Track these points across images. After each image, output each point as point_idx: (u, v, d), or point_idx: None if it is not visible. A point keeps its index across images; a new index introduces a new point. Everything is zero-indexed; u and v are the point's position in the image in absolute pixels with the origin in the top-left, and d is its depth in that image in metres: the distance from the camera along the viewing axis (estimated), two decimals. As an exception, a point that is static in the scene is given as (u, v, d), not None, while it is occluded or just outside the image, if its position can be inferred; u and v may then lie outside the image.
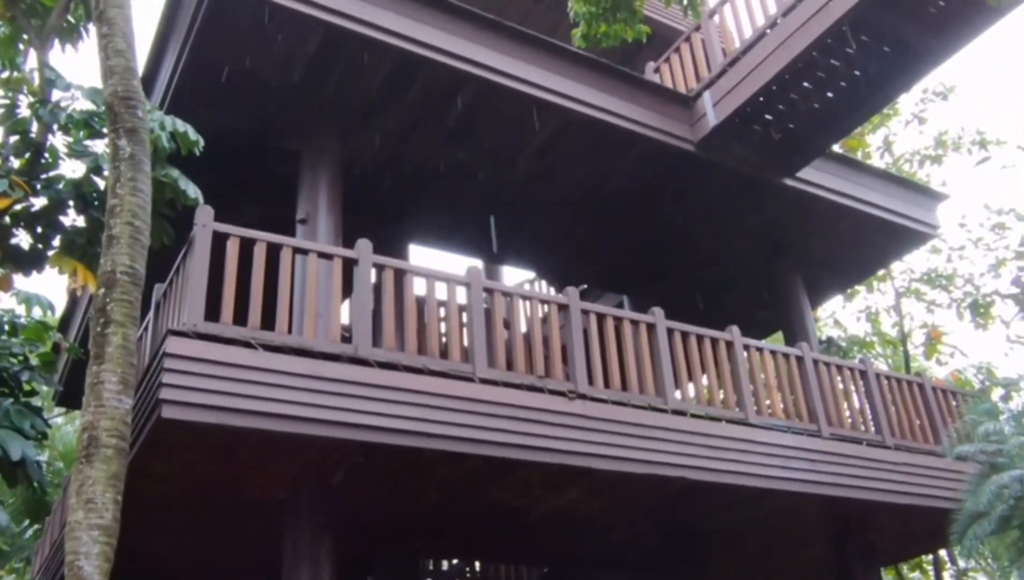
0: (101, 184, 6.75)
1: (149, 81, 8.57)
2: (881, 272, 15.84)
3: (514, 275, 14.73)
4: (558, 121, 9.00)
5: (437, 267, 7.60)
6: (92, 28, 7.19)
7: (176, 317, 6.15)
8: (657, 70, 10.55)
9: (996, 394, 12.32)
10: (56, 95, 7.01)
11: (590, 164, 9.84)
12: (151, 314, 7.00)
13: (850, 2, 8.12)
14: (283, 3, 7.36)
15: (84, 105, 6.81)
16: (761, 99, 9.36)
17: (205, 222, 6.24)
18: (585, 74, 8.92)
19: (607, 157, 9.72)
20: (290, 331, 6.33)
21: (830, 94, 9.57)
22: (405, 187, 9.85)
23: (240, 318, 6.08)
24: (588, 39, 5.14)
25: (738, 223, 11.15)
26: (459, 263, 15.76)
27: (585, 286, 12.39)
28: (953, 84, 17.46)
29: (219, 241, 6.29)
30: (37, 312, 7.53)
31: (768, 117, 9.79)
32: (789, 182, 10.37)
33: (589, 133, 9.24)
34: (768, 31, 9.14)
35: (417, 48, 7.95)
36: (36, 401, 8.74)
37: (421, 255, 25.79)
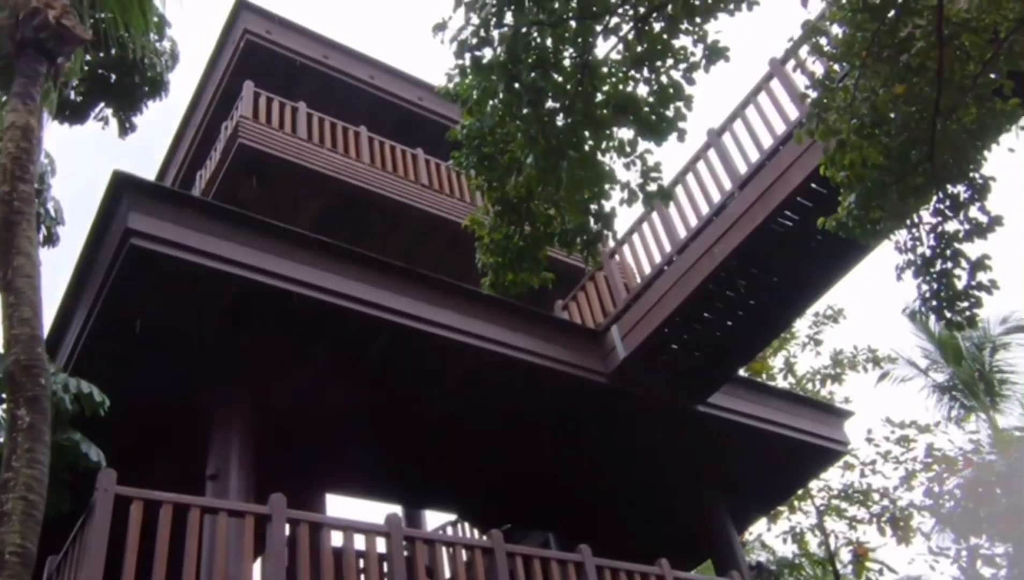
0: (-4, 452, 6.41)
1: (56, 340, 8.43)
2: (800, 491, 15.96)
3: (436, 518, 14.26)
4: (472, 362, 9.15)
5: (355, 516, 7.33)
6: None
7: (70, 593, 5.68)
8: (565, 307, 10.99)
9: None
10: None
11: (506, 401, 9.91)
12: (42, 590, 6.46)
13: (734, 242, 8.77)
14: (198, 261, 7.51)
15: (-17, 372, 6.60)
16: (666, 330, 9.76)
17: (107, 486, 5.95)
18: (496, 315, 9.24)
19: (522, 394, 9.82)
20: (196, 600, 5.90)
21: (729, 323, 10.07)
22: (321, 435, 9.66)
23: (142, 589, 5.66)
24: (496, 286, 5.35)
25: (657, 451, 11.21)
26: (378, 510, 15.22)
27: (509, 526, 12.06)
28: (841, 307, 18.62)
29: (122, 505, 5.97)
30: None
31: (674, 347, 10.16)
32: (702, 409, 10.60)
33: (503, 372, 9.39)
34: (665, 267, 9.71)
35: (331, 298, 8.13)
36: None
37: (339, 504, 24.87)
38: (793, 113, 8.74)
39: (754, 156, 9.06)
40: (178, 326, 8.07)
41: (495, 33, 4.00)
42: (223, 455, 7.90)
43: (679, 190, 9.71)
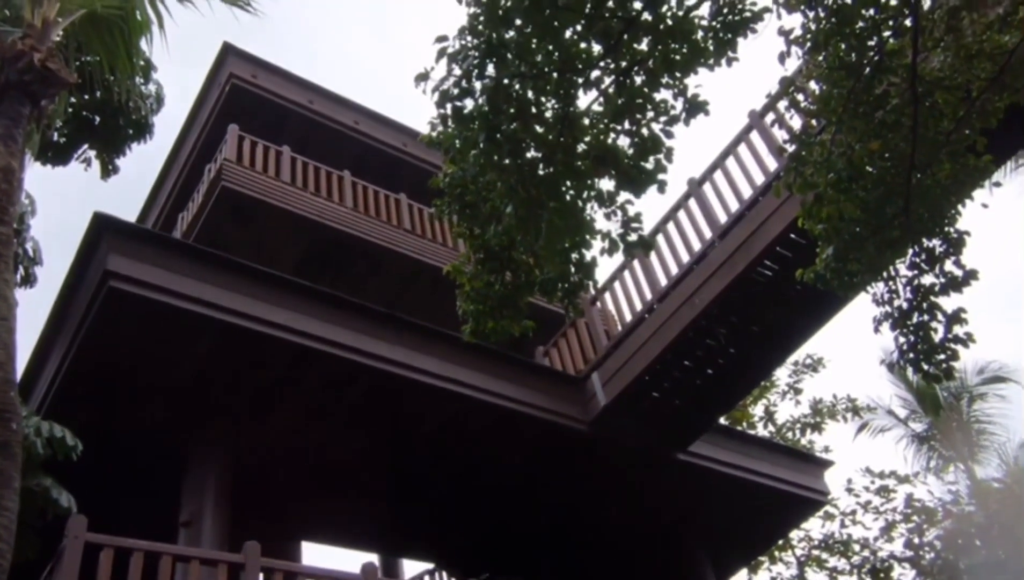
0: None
1: (30, 381, 8.33)
2: (781, 541, 15.86)
3: (413, 567, 14.04)
4: (453, 407, 9.11)
5: (331, 565, 7.22)
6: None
7: (34, 644, 5.54)
8: (546, 354, 10.98)
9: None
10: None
11: (487, 448, 9.85)
12: (6, 641, 6.28)
13: (715, 290, 8.82)
14: (177, 304, 7.46)
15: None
16: (646, 378, 9.75)
17: (77, 533, 5.84)
18: (477, 361, 9.21)
19: (503, 440, 9.77)
20: (165, 652, 5.76)
21: (710, 371, 10.07)
22: (298, 480, 9.55)
23: (109, 641, 5.52)
24: (476, 334, 5.34)
25: (637, 499, 11.15)
26: (355, 558, 14.96)
27: (488, 575, 11.88)
28: (821, 356, 18.69)
29: (91, 552, 5.86)
30: None
31: (655, 395, 10.14)
32: (682, 457, 10.57)
33: (484, 417, 9.35)
34: (646, 315, 9.74)
35: (311, 342, 8.09)
36: None
37: (315, 552, 24.41)
38: (772, 164, 8.85)
39: (734, 206, 9.15)
40: (155, 369, 8.00)
41: (477, 84, 4.05)
42: (197, 501, 7.78)
43: (660, 239, 9.79)
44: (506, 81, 4.06)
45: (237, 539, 6.94)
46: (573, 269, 4.72)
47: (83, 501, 6.48)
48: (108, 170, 9.49)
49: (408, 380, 8.60)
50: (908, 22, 5.06)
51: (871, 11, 5.03)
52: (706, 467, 10.81)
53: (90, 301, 7.46)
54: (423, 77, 4.20)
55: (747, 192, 9.05)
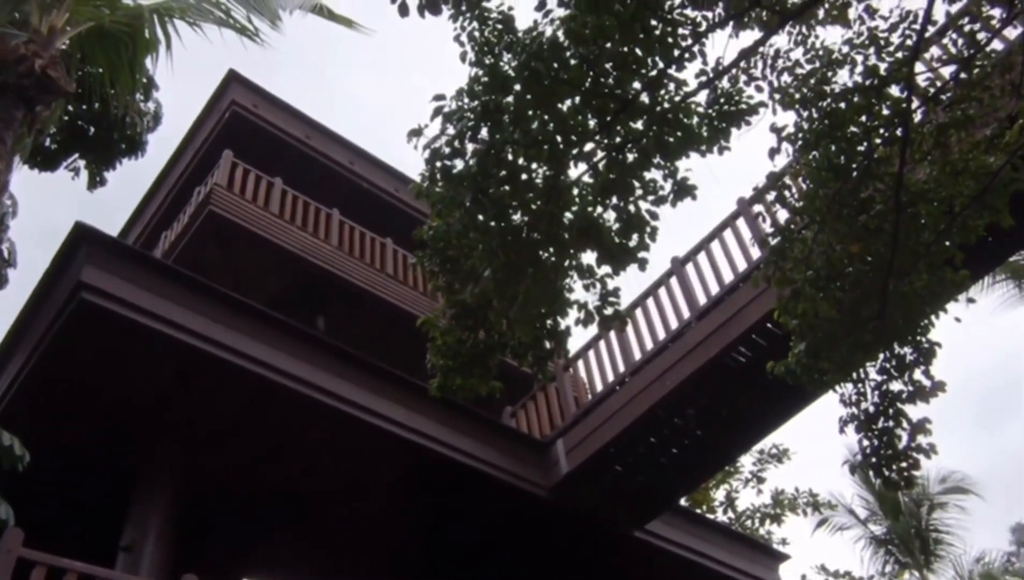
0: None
1: (-15, 387, 8.16)
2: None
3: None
4: (413, 458, 8.99)
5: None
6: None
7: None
8: (514, 414, 10.90)
9: None
10: None
11: (445, 504, 9.72)
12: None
13: (687, 370, 8.83)
14: (147, 323, 7.36)
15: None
16: (611, 450, 9.68)
17: (10, 547, 5.68)
18: (443, 414, 9.12)
19: (462, 496, 9.64)
20: (84, 682, 5.56)
21: (675, 450, 10.02)
22: (249, 516, 9.34)
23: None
24: (443, 390, 5.30)
25: (589, 572, 10.98)
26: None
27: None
28: (787, 447, 18.65)
29: (23, 568, 5.69)
30: None
31: (618, 468, 10.06)
32: (639, 534, 10.45)
33: (444, 472, 9.23)
34: (617, 387, 9.71)
35: (277, 376, 7.99)
36: None
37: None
38: (755, 253, 8.93)
39: (714, 289, 9.21)
40: (116, 385, 7.86)
41: (469, 146, 4.09)
42: (141, 525, 7.59)
43: (639, 313, 9.82)
44: (498, 145, 4.09)
45: (178, 569, 6.75)
46: (546, 334, 4.71)
47: (23, 514, 6.29)
48: (96, 182, 9.46)
49: (371, 426, 8.49)
50: (899, 132, 5.17)
51: (863, 117, 5.14)
52: (661, 547, 10.69)
53: (59, 310, 7.35)
54: (416, 133, 4.23)
55: (728, 277, 9.12)
